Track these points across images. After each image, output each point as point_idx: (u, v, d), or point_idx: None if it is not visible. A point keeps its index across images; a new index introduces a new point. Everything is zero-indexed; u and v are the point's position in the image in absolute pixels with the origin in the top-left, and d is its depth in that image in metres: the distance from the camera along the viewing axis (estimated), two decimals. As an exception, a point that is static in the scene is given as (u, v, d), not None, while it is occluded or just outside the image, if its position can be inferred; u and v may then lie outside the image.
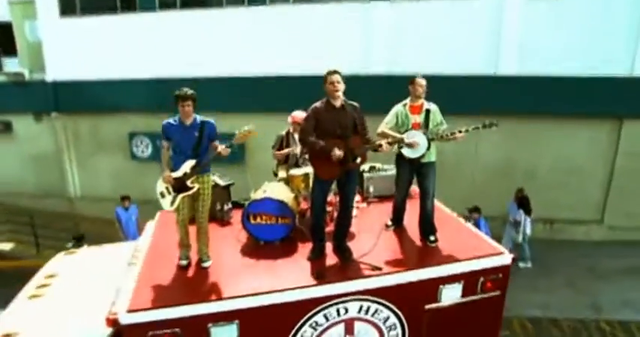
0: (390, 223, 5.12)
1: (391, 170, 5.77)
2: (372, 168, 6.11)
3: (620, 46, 9.11)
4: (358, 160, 4.27)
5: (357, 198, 5.55)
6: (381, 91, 10.28)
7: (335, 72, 4.21)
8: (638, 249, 9.64)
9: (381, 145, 4.32)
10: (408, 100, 4.85)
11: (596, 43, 9.17)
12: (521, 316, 7.44)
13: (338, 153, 4.07)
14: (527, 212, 8.97)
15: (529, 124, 9.91)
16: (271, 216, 4.73)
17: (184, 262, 4.27)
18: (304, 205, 5.25)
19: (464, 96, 9.89)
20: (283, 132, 5.60)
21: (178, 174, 4.10)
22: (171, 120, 4.22)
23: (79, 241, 8.27)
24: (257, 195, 4.91)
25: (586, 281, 8.49)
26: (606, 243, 9.96)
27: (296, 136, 5.48)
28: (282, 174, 5.43)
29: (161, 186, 4.20)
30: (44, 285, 4.64)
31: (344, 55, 10.32)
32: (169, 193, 4.13)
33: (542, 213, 10.34)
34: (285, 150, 5.49)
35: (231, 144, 4.22)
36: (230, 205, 5.62)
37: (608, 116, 9.57)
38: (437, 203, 5.17)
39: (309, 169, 5.05)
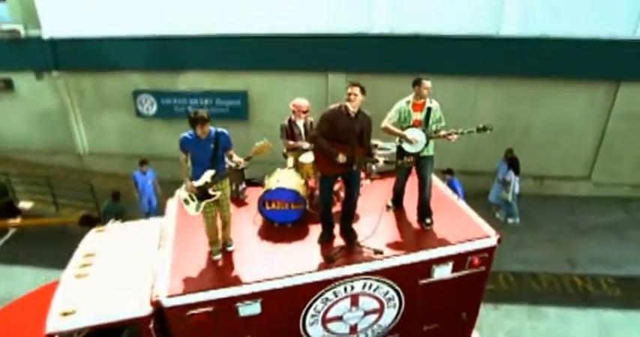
0: (390, 204, 5.70)
1: (392, 148, 6.22)
2: (374, 147, 6.54)
3: (623, 9, 9.05)
4: (354, 167, 4.66)
5: (361, 174, 6.07)
6: (382, 52, 10.42)
7: (356, 84, 4.49)
8: (618, 205, 10.41)
9: (377, 161, 4.71)
10: (411, 98, 5.18)
11: (598, 5, 9.09)
12: (505, 271, 8.34)
13: (342, 158, 4.49)
14: (517, 172, 9.53)
15: (527, 85, 10.11)
16: (284, 203, 5.29)
17: (218, 257, 4.86)
18: (313, 184, 5.75)
19: (465, 57, 9.99)
20: (285, 122, 5.93)
21: (200, 183, 4.54)
22: (187, 135, 4.56)
23: (115, 198, 8.84)
24: (271, 183, 5.40)
25: (567, 238, 9.33)
26: (591, 199, 10.70)
27: (298, 123, 5.84)
28: (291, 161, 5.84)
29: (184, 194, 4.67)
30: (86, 265, 5.29)
31: (347, 15, 10.21)
32: (193, 200, 4.61)
33: (534, 170, 10.99)
34: (292, 143, 5.84)
35: (249, 157, 4.60)
36: (244, 185, 6.16)
37: (605, 78, 9.78)
38: (434, 179, 5.73)
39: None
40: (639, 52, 9.32)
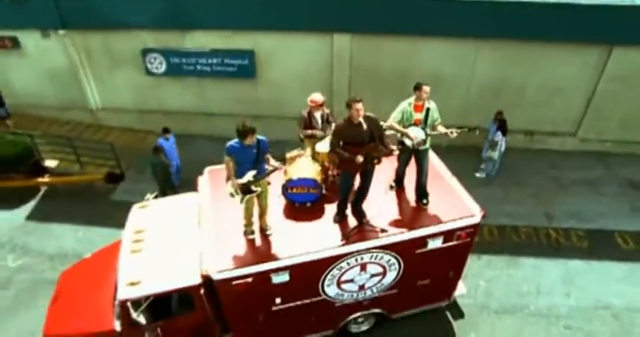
0: (393, 184, 6.70)
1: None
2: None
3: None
4: (375, 161, 5.55)
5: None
6: (386, 13, 10.58)
7: (359, 100, 5.20)
8: (599, 160, 11.43)
9: (392, 151, 5.56)
10: (412, 100, 5.91)
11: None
12: (491, 224, 9.56)
13: (359, 158, 5.37)
14: (504, 133, 10.38)
15: (525, 48, 10.52)
16: (304, 188, 6.27)
17: (252, 236, 5.94)
18: (328, 166, 6.65)
19: (466, 19, 10.25)
20: (305, 113, 6.66)
21: (243, 181, 5.45)
22: (234, 143, 5.40)
23: (156, 152, 9.79)
24: (292, 171, 6.30)
25: (548, 193, 10.47)
26: (576, 154, 11.67)
27: (316, 115, 6.60)
28: (309, 150, 6.68)
29: (230, 189, 5.59)
30: (138, 241, 6.39)
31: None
32: (237, 194, 5.54)
33: (526, 126, 11.84)
34: (309, 131, 6.63)
35: (284, 160, 5.47)
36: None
37: (600, 43, 10.20)
38: (432, 159, 6.66)
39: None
40: (633, 17, 9.66)
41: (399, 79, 11.47)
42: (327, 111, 6.69)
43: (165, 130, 10.34)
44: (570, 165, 11.36)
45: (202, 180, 7.14)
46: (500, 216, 9.82)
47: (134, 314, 5.73)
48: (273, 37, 11.38)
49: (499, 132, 10.39)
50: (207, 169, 7.41)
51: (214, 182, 6.92)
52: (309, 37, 11.23)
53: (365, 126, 5.38)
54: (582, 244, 9.11)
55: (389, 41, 10.99)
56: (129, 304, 5.67)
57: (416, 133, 5.88)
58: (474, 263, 8.60)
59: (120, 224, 10.26)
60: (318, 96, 6.60)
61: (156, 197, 7.62)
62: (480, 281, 8.39)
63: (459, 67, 11.16)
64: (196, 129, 12.95)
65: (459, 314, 7.78)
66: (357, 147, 5.43)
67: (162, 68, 12.17)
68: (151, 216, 6.89)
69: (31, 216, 10.64)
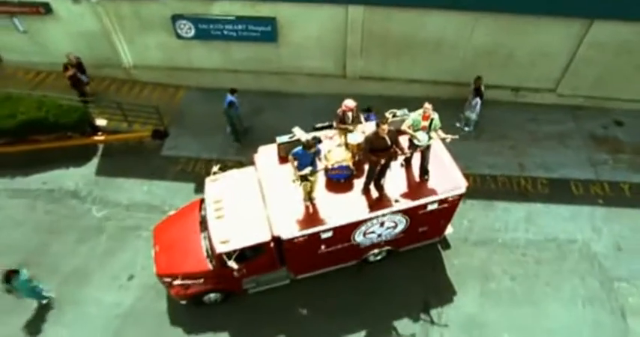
0: (403, 163, 9.15)
1: (403, 116, 9.31)
2: (393, 114, 9.54)
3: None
4: (392, 159, 7.95)
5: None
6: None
7: (385, 123, 7.39)
8: (571, 113, 13.73)
9: (404, 152, 7.91)
10: (421, 111, 8.08)
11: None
12: (475, 173, 12.20)
13: (382, 160, 7.77)
14: (481, 97, 12.48)
15: (517, 20, 12.11)
16: (340, 170, 8.71)
17: (307, 203, 8.52)
18: (356, 153, 9.01)
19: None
20: (340, 112, 8.79)
21: (302, 173, 7.87)
22: (298, 150, 7.75)
23: (233, 91, 12.43)
24: (331, 159, 8.65)
25: (524, 145, 12.93)
26: (553, 107, 13.91)
27: (348, 114, 8.74)
28: (342, 139, 8.95)
29: (293, 177, 8.03)
30: (218, 209, 8.94)
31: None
32: (297, 180, 8.00)
33: (512, 82, 13.90)
34: (342, 126, 8.82)
35: (326, 163, 7.86)
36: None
37: (583, 17, 11.81)
38: (435, 145, 9.00)
39: (359, 139, 8.64)
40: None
41: (406, 44, 13.24)
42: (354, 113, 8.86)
43: (233, 90, 12.50)
44: (547, 118, 13.68)
45: (258, 158, 9.49)
46: (483, 167, 12.45)
47: (228, 262, 8.51)
48: (293, 6, 12.69)
49: (477, 98, 12.48)
50: (260, 148, 9.72)
51: (266, 159, 9.34)
52: (325, 7, 12.58)
53: (387, 138, 7.65)
54: (544, 190, 11.91)
55: (397, 12, 12.43)
56: (224, 256, 8.43)
57: (422, 137, 8.17)
58: (460, 207, 11.35)
59: (173, 177, 12.98)
60: (350, 103, 8.69)
61: (220, 169, 9.96)
62: (463, 220, 11.27)
63: (458, 34, 12.79)
64: (222, 84, 14.73)
65: (446, 245, 10.84)
66: (382, 151, 7.77)
67: (192, 33, 13.56)
68: (223, 188, 9.36)
69: (100, 172, 13.03)
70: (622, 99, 13.72)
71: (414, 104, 13.45)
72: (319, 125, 10.25)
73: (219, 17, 13.08)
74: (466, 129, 13.18)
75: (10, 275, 8.87)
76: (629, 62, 12.70)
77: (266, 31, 13.22)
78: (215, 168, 9.94)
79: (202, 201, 9.89)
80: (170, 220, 10.18)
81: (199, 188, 12.20)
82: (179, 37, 13.74)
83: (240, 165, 12.57)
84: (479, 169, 12.36)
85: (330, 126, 9.87)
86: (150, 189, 12.54)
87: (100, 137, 13.75)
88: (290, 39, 13.54)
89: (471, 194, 11.47)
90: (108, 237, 11.47)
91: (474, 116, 12.85)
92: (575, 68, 13.14)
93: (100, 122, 14.02)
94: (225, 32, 13.39)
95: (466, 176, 10.83)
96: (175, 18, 13.27)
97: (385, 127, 7.58)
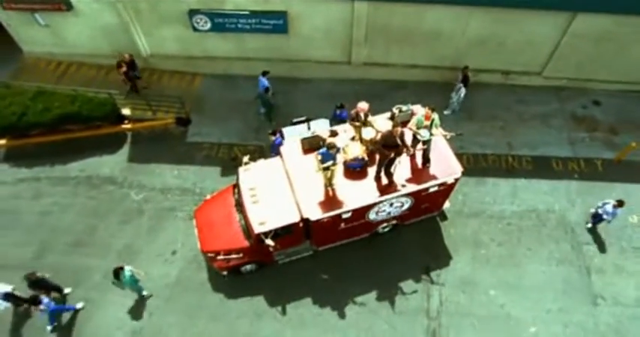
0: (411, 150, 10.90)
1: (407, 111, 10.97)
2: (400, 110, 11.16)
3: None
4: (400, 153, 9.69)
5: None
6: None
7: (399, 126, 9.04)
8: (556, 95, 15.40)
9: (409, 149, 9.63)
10: (423, 112, 9.72)
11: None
12: (468, 153, 14.00)
13: (392, 154, 9.49)
14: (466, 85, 14.08)
15: (508, 13, 13.47)
16: (356, 160, 10.43)
17: (330, 189, 10.29)
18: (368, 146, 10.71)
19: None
20: (353, 112, 10.37)
21: (325, 166, 9.60)
22: (323, 151, 9.36)
23: (265, 73, 13.92)
24: (349, 152, 10.32)
25: (513, 125, 14.67)
26: (539, 89, 15.55)
27: (361, 114, 10.34)
28: (357, 134, 10.59)
29: (316, 168, 9.75)
30: (254, 195, 10.68)
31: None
32: (321, 171, 9.71)
33: (502, 67, 15.43)
34: (357, 123, 10.44)
35: (345, 156, 9.55)
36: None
37: (567, 10, 13.20)
38: (438, 140, 10.71)
39: (372, 134, 10.31)
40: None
41: (406, 34, 14.61)
42: (367, 114, 10.47)
43: (265, 72, 14.08)
44: (533, 99, 15.36)
45: (285, 150, 11.13)
46: (475, 147, 14.25)
47: (265, 240, 10.35)
48: (303, 1, 13.85)
49: (462, 86, 14.04)
50: (286, 141, 11.34)
51: (291, 151, 11.01)
52: (333, 2, 13.77)
53: (398, 138, 9.33)
54: (528, 167, 13.79)
55: (399, 6, 13.68)
56: (261, 235, 10.27)
57: (424, 133, 9.86)
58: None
59: (200, 161, 14.63)
60: (364, 105, 10.27)
61: (250, 159, 11.58)
62: (459, 195, 13.18)
63: (454, 25, 14.14)
64: (236, 71, 16.14)
65: (444, 217, 12.82)
66: (392, 148, 9.48)
67: (208, 26, 14.71)
68: (255, 177, 11.04)
69: (131, 159, 14.58)
70: (600, 80, 15.39)
71: (413, 88, 15.15)
72: (295, 120, 12.38)
73: (234, 12, 14.21)
74: (445, 112, 14.73)
75: (118, 271, 10.58)
76: (609, 49, 14.25)
77: (278, 23, 14.42)
78: (246, 159, 11.55)
79: (234, 186, 11.63)
80: (208, 204, 11.93)
81: (225, 171, 13.99)
82: (195, 30, 14.87)
83: (260, 149, 14.36)
84: (472, 149, 14.16)
85: (306, 121, 11.99)
86: (180, 174, 14.18)
87: (127, 125, 15.17)
88: (300, 30, 14.77)
89: (465, 172, 13.40)
90: (148, 218, 13.23)
91: (455, 101, 14.48)
92: (559, 54, 14.66)
93: (126, 111, 15.38)
94: (240, 25, 14.56)
95: (460, 155, 12.61)
96: (192, 13, 14.36)
97: (398, 129, 9.27)
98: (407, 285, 11.73)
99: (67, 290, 11.80)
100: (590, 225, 12.45)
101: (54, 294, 11.46)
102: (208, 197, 12.30)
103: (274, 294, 11.68)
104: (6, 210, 13.59)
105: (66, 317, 11.52)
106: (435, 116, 9.89)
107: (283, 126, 12.64)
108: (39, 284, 10.91)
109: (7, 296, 10.78)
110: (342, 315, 11.31)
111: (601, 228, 12.51)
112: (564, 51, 14.50)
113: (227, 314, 11.46)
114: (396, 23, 14.23)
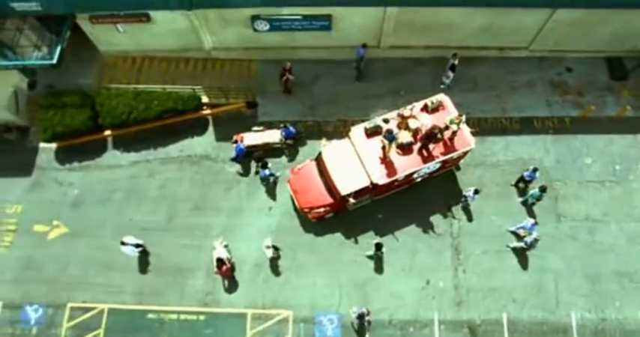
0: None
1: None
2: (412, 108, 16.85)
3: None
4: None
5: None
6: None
7: (437, 127, 14.90)
8: (538, 65, 21.03)
9: (443, 137, 15.60)
10: (456, 114, 15.53)
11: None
12: (474, 117, 19.83)
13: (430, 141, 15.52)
14: (453, 70, 19.52)
15: (501, 11, 18.56)
16: (405, 142, 16.38)
17: (388, 160, 16.33)
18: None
19: (472, -4, 17.89)
20: (401, 111, 16.03)
21: (386, 143, 15.50)
22: (388, 135, 15.17)
23: (365, 46, 19.06)
24: (400, 135, 16.17)
25: (505, 94, 20.43)
26: (525, 59, 21.10)
27: (406, 113, 16.01)
28: (404, 125, 16.36)
29: (381, 144, 15.67)
30: (335, 166, 16.63)
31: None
32: (387, 145, 15.67)
33: (498, 44, 20.79)
34: (405, 118, 16.17)
35: (399, 139, 15.50)
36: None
37: (548, 6, 18.38)
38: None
39: (417, 124, 16.15)
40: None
41: (425, 26, 19.62)
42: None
43: (365, 45, 19.39)
44: (521, 70, 21.03)
45: (353, 134, 16.84)
46: (479, 112, 20.15)
47: (349, 199, 16.49)
48: (343, 8, 18.49)
49: (451, 71, 19.52)
50: (352, 127, 17.00)
51: (357, 135, 16.74)
52: (368, 8, 18.48)
53: (437, 131, 15.19)
54: (517, 126, 19.96)
55: (421, 8, 18.53)
56: (346, 195, 16.40)
57: (454, 127, 15.75)
58: (465, 143, 19.41)
59: None
60: (406, 112, 15.87)
61: (327, 141, 17.34)
62: (467, 152, 19.39)
63: (464, 19, 19.19)
64: (285, 56, 20.94)
65: (457, 168, 19.18)
66: (431, 137, 15.40)
67: (267, 28, 19.29)
68: (334, 154, 16.90)
69: (218, 138, 19.99)
70: (573, 51, 21.01)
71: (429, 64, 20.64)
72: (254, 128, 19.05)
73: (289, 16, 18.76)
74: (441, 86, 20.39)
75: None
76: (580, 29, 19.71)
77: (324, 24, 19.13)
78: (324, 141, 17.35)
79: (316, 158, 17.49)
80: (298, 173, 17.88)
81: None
82: (255, 30, 19.43)
83: (317, 124, 19.92)
84: (476, 114, 20.04)
85: (262, 130, 18.77)
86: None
87: (206, 111, 20.26)
88: (340, 27, 19.55)
89: (473, 133, 19.42)
90: (245, 185, 19.09)
91: (446, 79, 20.14)
92: (542, 34, 20.09)
93: (204, 99, 20.34)
94: (293, 26, 19.19)
95: (468, 120, 18.46)
96: (254, 18, 18.85)
97: (437, 125, 15.08)
98: (435, 219, 18.40)
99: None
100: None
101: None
102: (297, 168, 18.12)
103: (347, 231, 18.19)
104: (130, 188, 19.18)
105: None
106: (463, 117, 15.73)
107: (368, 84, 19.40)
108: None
109: (138, 246, 16.96)
110: (394, 240, 18.00)
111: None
112: (546, 32, 19.92)
113: (318, 247, 18.04)
114: (419, 19, 19.17)
